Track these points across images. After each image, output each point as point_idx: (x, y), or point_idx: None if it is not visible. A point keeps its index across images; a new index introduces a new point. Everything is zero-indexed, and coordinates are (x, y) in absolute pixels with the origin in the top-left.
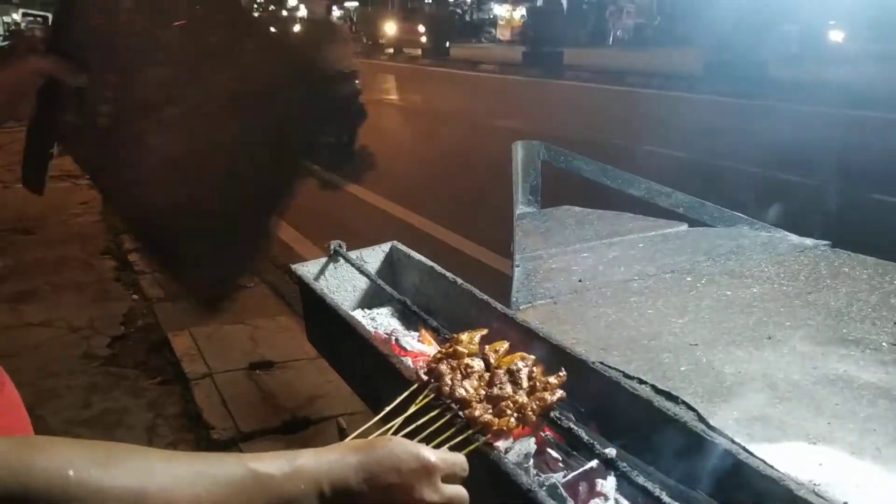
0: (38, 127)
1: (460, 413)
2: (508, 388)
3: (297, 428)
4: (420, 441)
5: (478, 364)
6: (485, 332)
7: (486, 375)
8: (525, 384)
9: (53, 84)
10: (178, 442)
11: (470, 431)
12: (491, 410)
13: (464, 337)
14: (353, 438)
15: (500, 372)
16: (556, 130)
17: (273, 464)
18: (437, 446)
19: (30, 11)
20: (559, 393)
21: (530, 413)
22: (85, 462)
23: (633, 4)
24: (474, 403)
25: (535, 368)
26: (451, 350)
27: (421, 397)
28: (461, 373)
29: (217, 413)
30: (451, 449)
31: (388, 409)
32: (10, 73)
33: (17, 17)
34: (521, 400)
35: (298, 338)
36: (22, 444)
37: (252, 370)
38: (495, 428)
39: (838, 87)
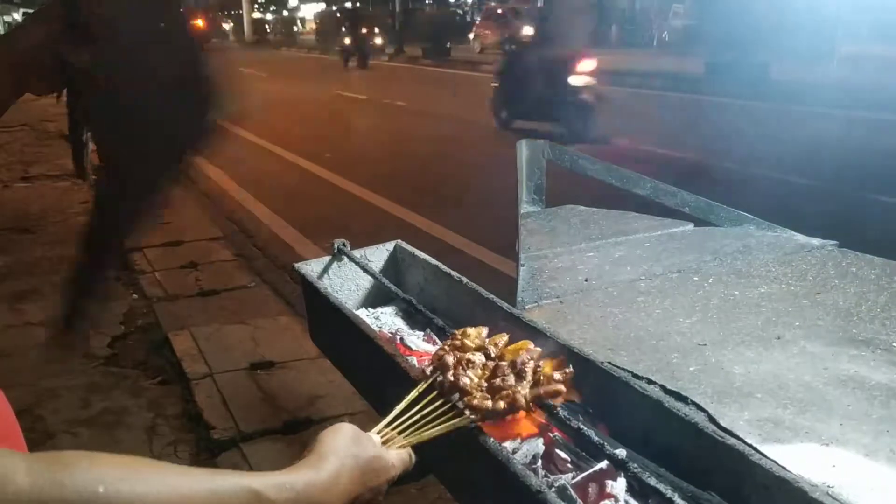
0: (70, 110)
1: (459, 403)
2: (511, 380)
3: (297, 428)
4: (417, 430)
5: (479, 358)
6: (486, 329)
7: (490, 365)
8: (529, 377)
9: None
10: (178, 442)
11: (465, 415)
12: (490, 399)
13: (471, 331)
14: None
15: (504, 364)
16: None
17: (278, 489)
18: (432, 431)
19: (31, 11)
20: (558, 385)
21: (520, 397)
22: (113, 478)
23: (682, 5)
24: (475, 392)
25: (540, 363)
26: (458, 343)
27: (424, 386)
28: (463, 366)
29: (217, 413)
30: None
31: (396, 410)
32: (21, 45)
33: (17, 16)
34: (521, 390)
35: (299, 338)
36: (53, 462)
37: (253, 370)
38: (476, 403)
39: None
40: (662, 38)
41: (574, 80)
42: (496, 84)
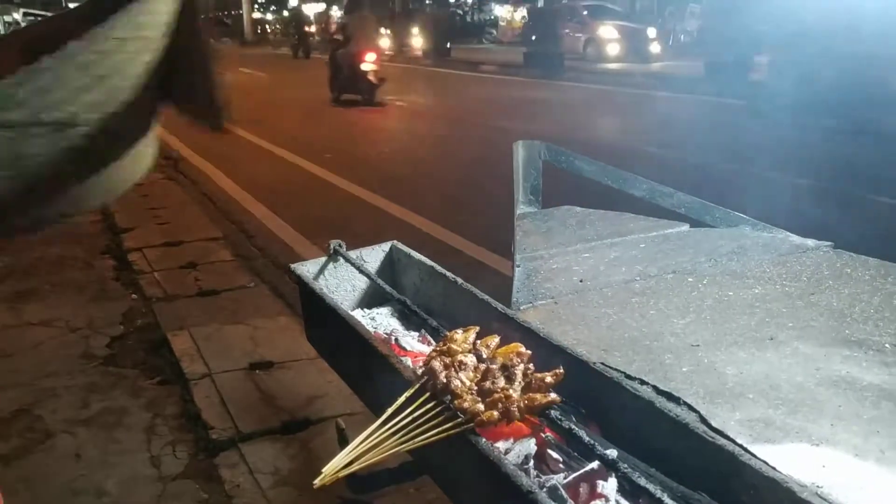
0: None
1: (451, 405)
2: (501, 382)
3: (296, 428)
4: (412, 433)
5: (471, 360)
6: (477, 329)
7: (481, 367)
8: (519, 380)
9: None
10: (176, 442)
11: (458, 420)
12: (481, 402)
13: (458, 336)
14: (356, 445)
15: (495, 367)
16: (558, 132)
17: None
18: (427, 438)
19: (31, 11)
20: (551, 396)
21: (515, 410)
22: None
23: (699, 5)
24: (465, 395)
25: (530, 365)
26: (445, 348)
27: (413, 391)
28: (455, 369)
29: (216, 413)
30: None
31: (388, 411)
32: None
33: (17, 16)
34: (512, 395)
35: (298, 338)
36: None
37: (252, 370)
38: (478, 418)
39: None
40: (679, 38)
41: (363, 67)
42: (328, 70)
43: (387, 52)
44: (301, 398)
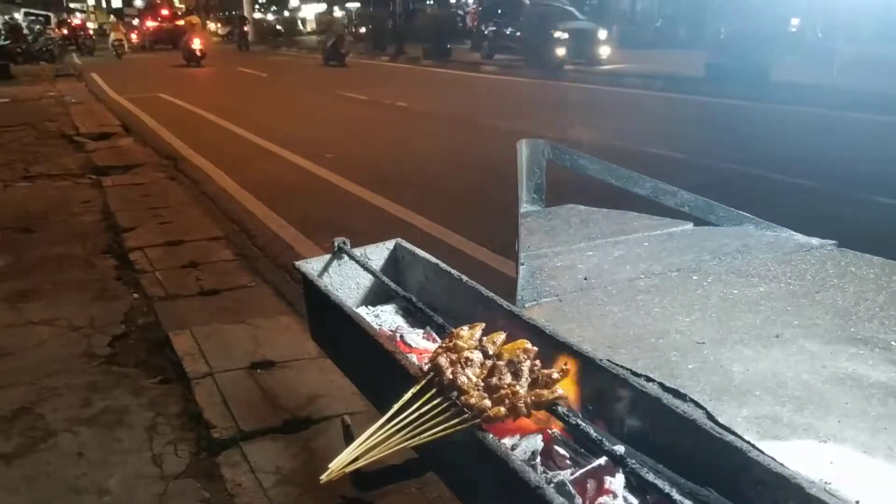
0: None
1: (457, 401)
2: (508, 378)
3: (298, 427)
4: (417, 429)
5: (477, 356)
6: (483, 325)
7: (488, 364)
8: (526, 376)
9: None
10: (178, 441)
11: (465, 415)
12: (487, 398)
13: (464, 332)
14: (362, 441)
15: (501, 363)
16: (557, 132)
17: None
18: (433, 434)
19: (32, 11)
20: (558, 392)
21: (522, 406)
22: None
23: None
24: (471, 391)
25: (537, 362)
26: (451, 344)
27: (419, 387)
28: (461, 365)
29: (218, 412)
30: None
31: (395, 407)
32: None
33: (18, 16)
34: (519, 391)
35: (300, 337)
36: None
37: (253, 369)
38: (485, 414)
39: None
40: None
41: (193, 46)
42: (182, 51)
43: (385, 54)
44: (302, 397)
